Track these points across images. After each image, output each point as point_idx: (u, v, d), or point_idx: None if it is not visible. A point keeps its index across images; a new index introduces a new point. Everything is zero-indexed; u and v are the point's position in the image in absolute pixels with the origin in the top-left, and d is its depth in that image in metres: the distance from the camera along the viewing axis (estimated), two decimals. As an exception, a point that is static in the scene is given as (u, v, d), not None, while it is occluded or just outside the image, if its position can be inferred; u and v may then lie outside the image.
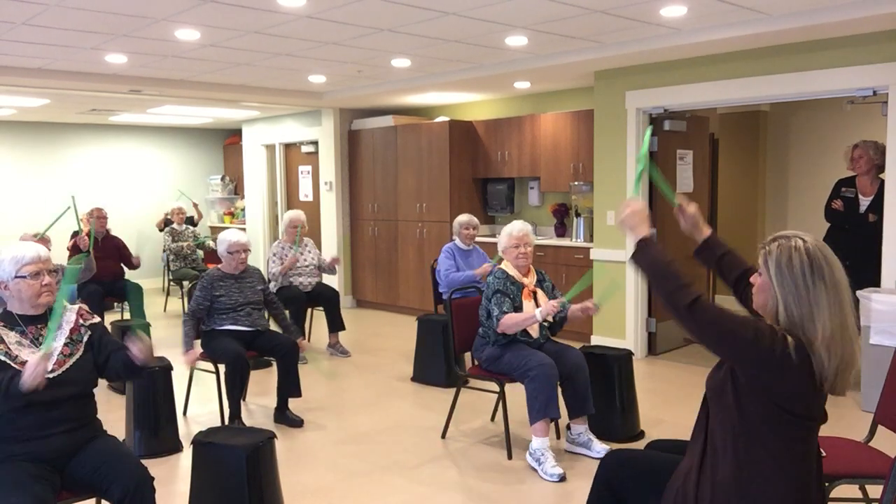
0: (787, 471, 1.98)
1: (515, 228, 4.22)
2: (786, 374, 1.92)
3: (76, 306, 2.84)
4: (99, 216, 7.06)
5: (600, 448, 4.01)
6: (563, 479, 3.76)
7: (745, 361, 1.96)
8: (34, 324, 2.69)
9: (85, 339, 2.77)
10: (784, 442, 1.98)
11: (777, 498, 1.97)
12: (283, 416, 4.72)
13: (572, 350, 4.14)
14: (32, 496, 2.39)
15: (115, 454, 2.63)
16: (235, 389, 4.49)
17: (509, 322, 3.99)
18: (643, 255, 2.17)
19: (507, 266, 4.21)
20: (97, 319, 2.86)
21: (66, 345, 2.70)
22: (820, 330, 1.92)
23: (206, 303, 4.69)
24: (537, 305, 4.09)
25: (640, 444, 4.16)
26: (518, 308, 4.07)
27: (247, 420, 4.66)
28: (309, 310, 6.55)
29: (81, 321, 2.80)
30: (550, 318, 4.07)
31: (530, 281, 4.20)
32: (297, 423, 4.67)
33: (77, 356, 2.71)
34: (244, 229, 10.67)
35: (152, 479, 2.60)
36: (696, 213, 2.51)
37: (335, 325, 6.55)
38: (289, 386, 4.70)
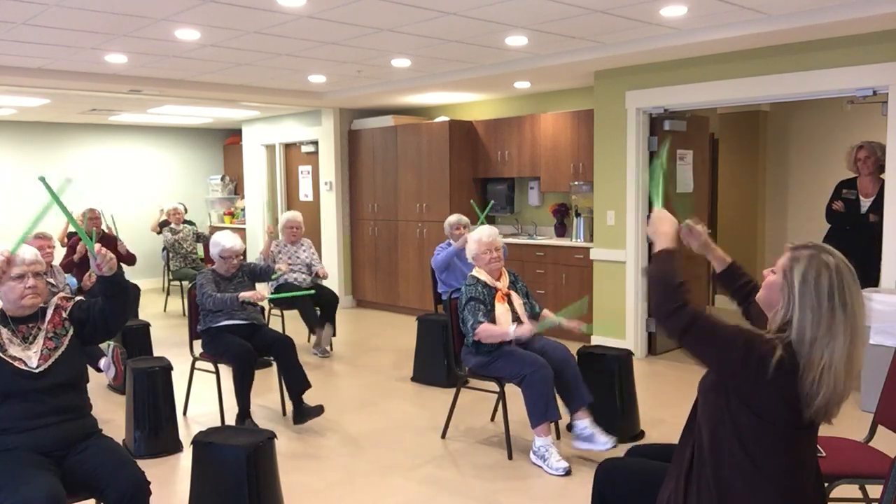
0: (775, 481, 1.94)
1: (484, 234, 4.23)
2: (761, 387, 1.89)
3: (54, 300, 2.86)
4: (92, 217, 7.05)
5: (605, 440, 3.94)
6: (568, 472, 3.78)
7: (727, 375, 1.96)
8: (25, 323, 2.74)
9: (70, 332, 2.80)
10: (769, 450, 1.94)
11: None
12: (302, 412, 4.59)
13: (557, 345, 4.14)
14: (45, 487, 2.40)
15: (113, 457, 2.65)
16: (245, 386, 4.47)
17: (485, 334, 4.00)
18: (656, 265, 2.16)
19: (478, 272, 4.22)
20: (76, 299, 2.90)
21: (49, 338, 2.75)
22: (827, 357, 1.85)
23: (213, 284, 4.73)
24: (512, 307, 4.14)
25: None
26: (491, 312, 4.09)
27: (247, 420, 4.66)
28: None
29: (64, 314, 2.83)
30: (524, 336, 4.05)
31: (503, 284, 4.21)
32: (318, 411, 4.57)
33: (62, 349, 2.75)
34: (244, 229, 10.68)
35: (149, 483, 2.61)
36: (704, 231, 2.46)
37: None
38: (297, 380, 4.62)
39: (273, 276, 5.32)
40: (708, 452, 2.01)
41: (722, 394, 1.98)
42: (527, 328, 3.90)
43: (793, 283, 1.91)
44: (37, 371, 2.65)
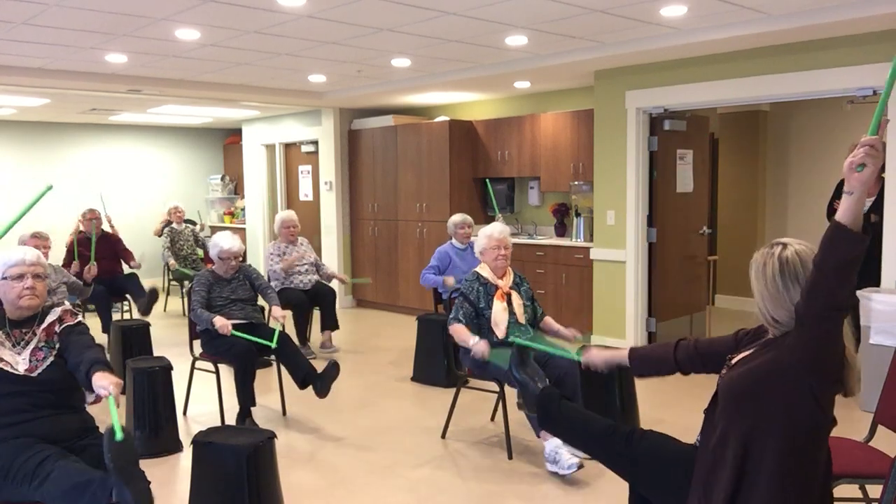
0: (797, 480, 1.99)
1: (496, 230, 4.25)
2: (834, 380, 1.98)
3: (59, 309, 2.85)
4: (91, 217, 7.06)
5: (570, 462, 3.72)
6: (581, 466, 3.67)
7: (822, 363, 1.95)
8: (19, 328, 2.73)
9: (57, 346, 2.77)
10: (802, 448, 1.99)
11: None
12: (321, 377, 4.50)
13: (573, 372, 4.04)
14: (73, 462, 2.43)
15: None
16: (247, 384, 4.48)
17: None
18: (853, 245, 1.81)
19: (482, 268, 4.24)
20: (75, 321, 2.85)
21: (39, 349, 2.73)
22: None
23: (205, 292, 4.75)
24: (511, 307, 4.16)
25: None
26: (483, 310, 4.11)
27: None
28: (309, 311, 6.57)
29: (58, 326, 2.80)
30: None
31: (505, 283, 4.22)
32: (332, 368, 4.50)
33: (49, 359, 2.72)
34: (244, 229, 10.67)
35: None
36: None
37: (329, 323, 6.60)
38: (302, 368, 4.58)
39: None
40: (738, 458, 2.02)
41: (783, 389, 1.97)
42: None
43: (752, 282, 2.08)
44: (22, 375, 2.65)
